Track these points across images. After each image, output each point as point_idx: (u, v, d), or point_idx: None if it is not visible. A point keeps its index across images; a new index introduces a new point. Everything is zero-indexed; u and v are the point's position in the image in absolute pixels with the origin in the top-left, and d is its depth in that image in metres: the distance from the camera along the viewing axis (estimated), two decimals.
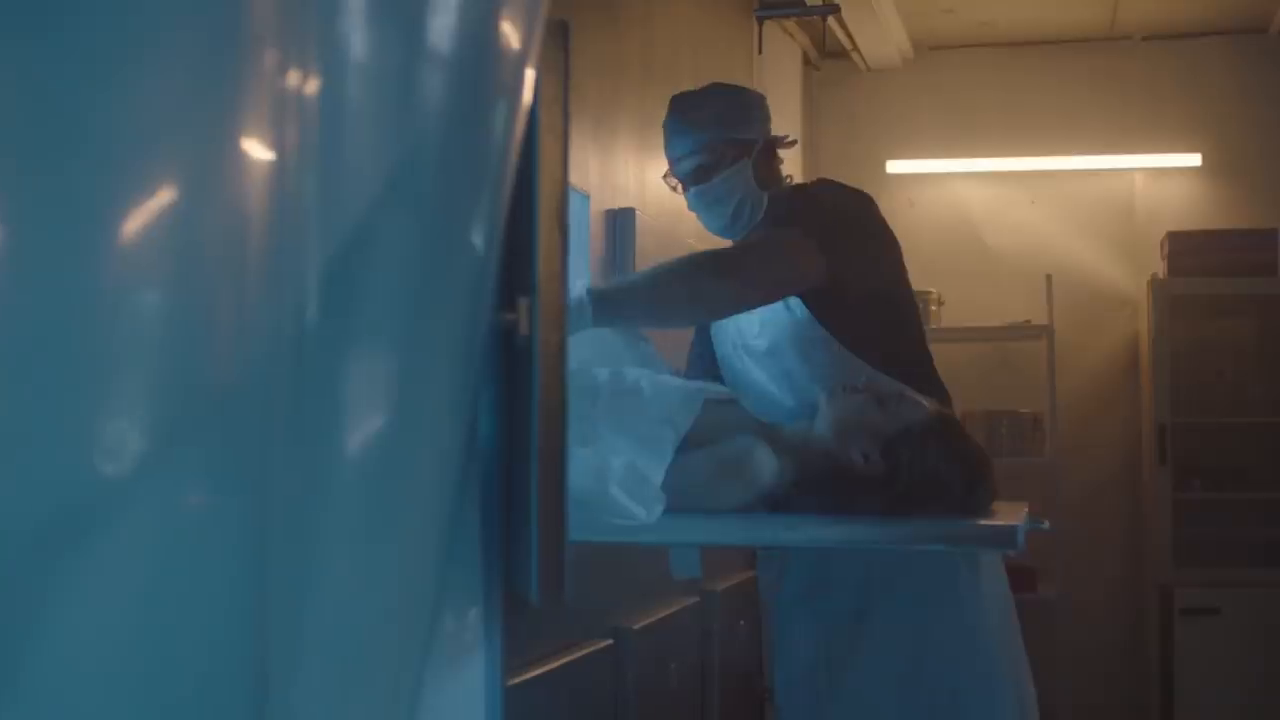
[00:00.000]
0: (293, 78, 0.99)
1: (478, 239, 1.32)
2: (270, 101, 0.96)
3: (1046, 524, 2.01)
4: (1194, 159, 5.26)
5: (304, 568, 1.05)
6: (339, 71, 1.05)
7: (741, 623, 3.13)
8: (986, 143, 5.39)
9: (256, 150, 0.95)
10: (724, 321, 2.50)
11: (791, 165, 5.00)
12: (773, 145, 2.51)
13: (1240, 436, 5.05)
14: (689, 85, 3.72)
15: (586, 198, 2.90)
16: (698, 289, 2.27)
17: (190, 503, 0.91)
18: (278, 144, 0.96)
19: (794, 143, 2.59)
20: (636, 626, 2.34)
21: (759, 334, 2.42)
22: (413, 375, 1.23)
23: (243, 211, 0.94)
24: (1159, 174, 5.33)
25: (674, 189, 2.55)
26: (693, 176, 2.47)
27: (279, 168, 0.96)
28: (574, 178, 2.84)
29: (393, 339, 1.19)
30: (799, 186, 2.58)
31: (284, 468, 1.00)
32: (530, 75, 1.45)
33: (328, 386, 1.10)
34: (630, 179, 3.22)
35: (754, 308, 2.35)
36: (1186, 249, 4.99)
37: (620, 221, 3.07)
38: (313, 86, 1.01)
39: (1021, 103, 5.40)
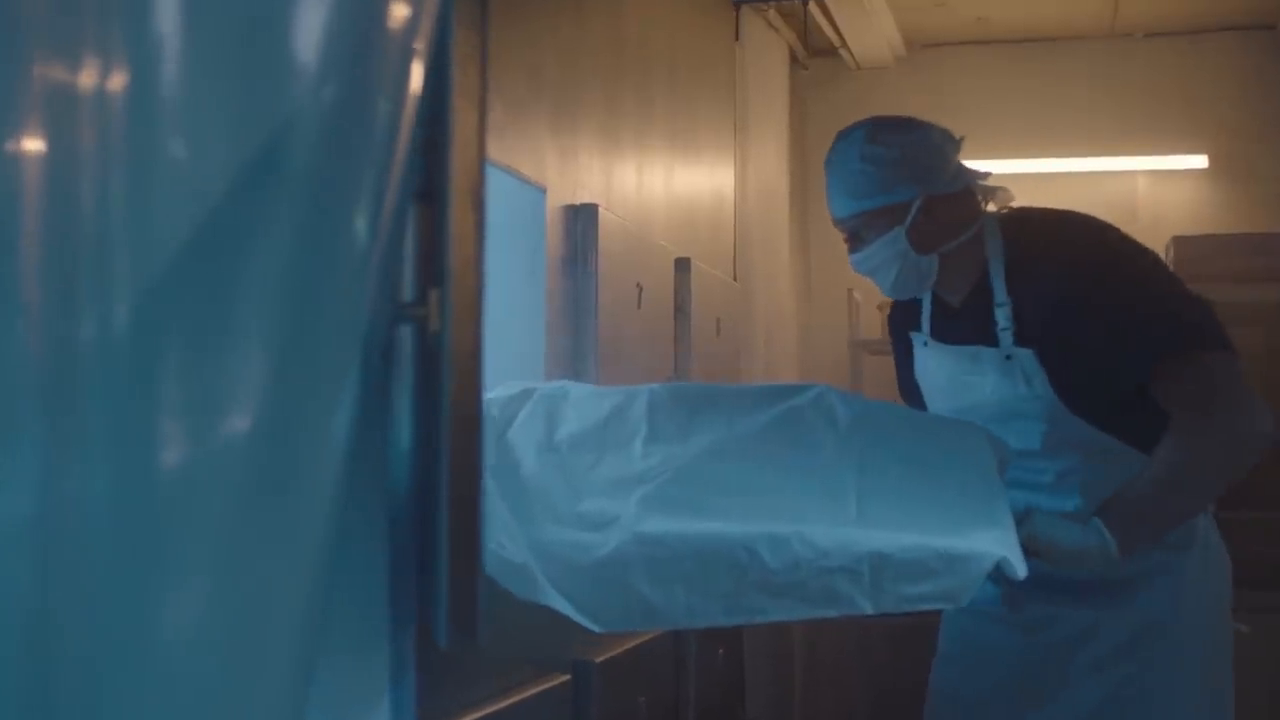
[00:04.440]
0: (90, 67, 0.95)
1: (360, 224, 1.21)
2: (49, 95, 0.92)
3: (1021, 572, 1.81)
4: (1199, 160, 5.19)
5: (116, 589, 0.98)
6: (160, 53, 0.99)
7: (720, 651, 2.93)
8: (981, 145, 5.11)
9: (27, 146, 0.90)
10: (940, 372, 2.28)
11: (778, 169, 4.89)
12: (935, 200, 2.17)
13: None
14: (663, 73, 3.62)
15: (543, 192, 2.73)
16: (1208, 493, 2.14)
17: None
18: (54, 140, 0.92)
19: (985, 176, 2.23)
20: (599, 659, 2.15)
21: (990, 401, 2.20)
22: (273, 373, 1.12)
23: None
24: (1163, 176, 5.26)
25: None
26: (848, 243, 2.24)
27: (59, 165, 0.93)
28: (529, 170, 2.67)
29: (247, 335, 1.09)
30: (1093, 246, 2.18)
31: (85, 476, 0.95)
32: (425, 35, 1.32)
33: (154, 388, 1.01)
34: (594, 173, 3.03)
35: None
36: (1193, 255, 4.85)
37: (582, 219, 2.89)
38: (120, 77, 0.96)
39: (1019, 103, 5.32)
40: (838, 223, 2.23)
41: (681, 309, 3.45)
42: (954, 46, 5.33)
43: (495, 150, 2.54)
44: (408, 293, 1.51)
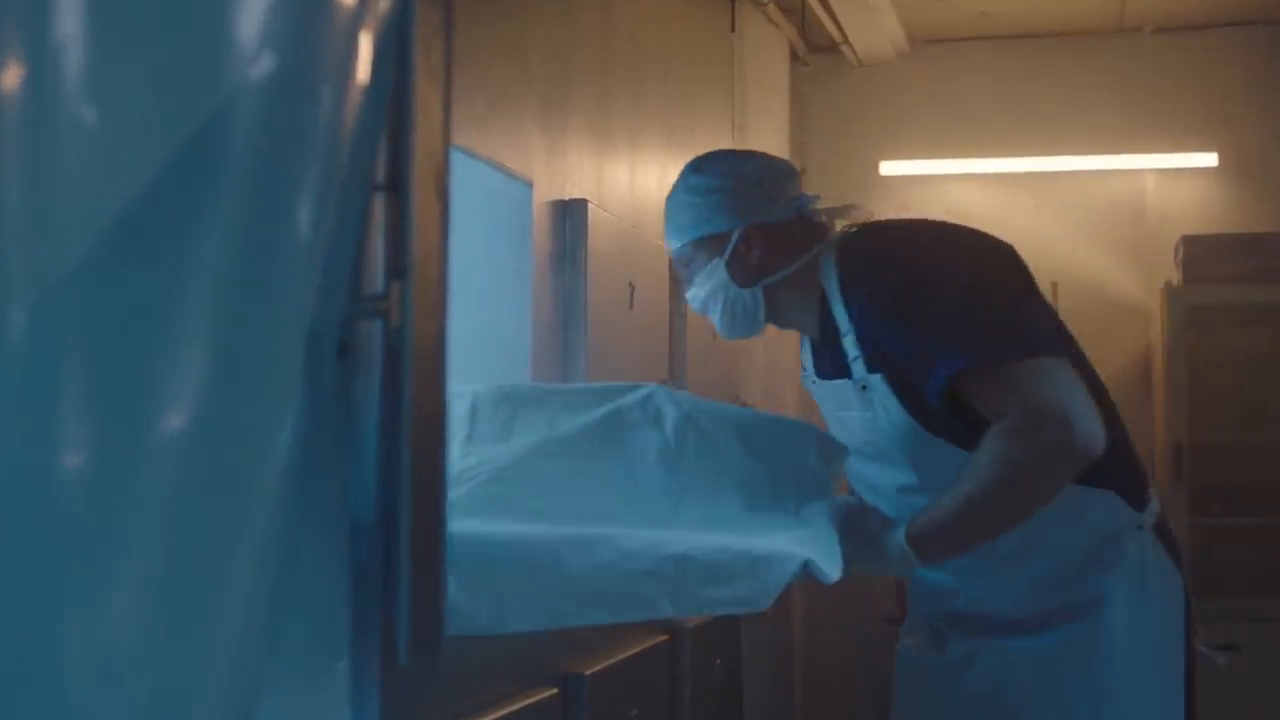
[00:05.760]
0: None
1: (304, 214, 1.14)
2: None
3: (833, 576, 1.75)
4: (1209, 158, 5.12)
5: (25, 602, 0.93)
6: (73, 29, 0.92)
7: (718, 662, 2.86)
8: (987, 142, 5.25)
9: None
10: (826, 410, 2.19)
11: None
12: (758, 230, 2.09)
13: (1262, 456, 4.83)
14: (657, 67, 3.54)
15: (529, 186, 2.65)
16: (1017, 505, 1.97)
17: None
18: None
19: (808, 206, 2.12)
20: (590, 671, 2.07)
21: (863, 437, 2.10)
22: (203, 371, 1.05)
23: None
24: (1172, 174, 5.18)
25: None
26: (684, 282, 2.20)
27: None
28: (515, 164, 2.59)
29: (176, 332, 1.03)
30: (901, 254, 2.05)
31: None
32: (379, 12, 1.24)
33: (74, 388, 0.96)
34: (584, 168, 2.95)
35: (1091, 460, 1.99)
36: (1202, 254, 4.81)
37: (571, 215, 2.82)
38: (21, 58, 0.89)
39: (1024, 99, 5.25)
40: (672, 261, 2.18)
41: (677, 309, 3.37)
42: (957, 42, 5.25)
43: (479, 143, 2.46)
44: (379, 287, 1.45)
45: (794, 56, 5.10)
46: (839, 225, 2.15)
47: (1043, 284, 5.35)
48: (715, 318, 2.15)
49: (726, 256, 2.08)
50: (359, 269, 1.43)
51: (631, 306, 3.07)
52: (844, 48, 5.03)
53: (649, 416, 1.91)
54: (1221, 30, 5.09)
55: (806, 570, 1.72)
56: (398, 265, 1.42)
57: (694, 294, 2.14)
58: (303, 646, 1.38)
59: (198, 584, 1.04)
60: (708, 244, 2.09)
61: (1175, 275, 4.90)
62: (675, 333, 3.39)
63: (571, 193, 2.86)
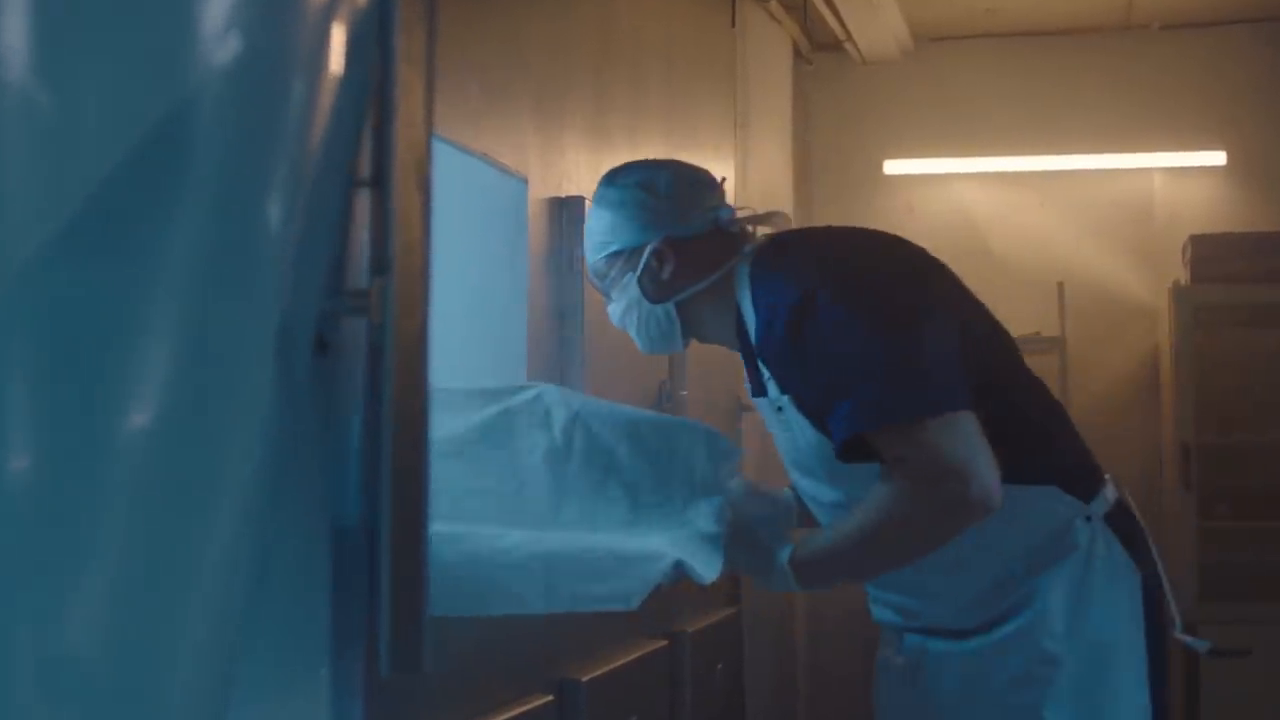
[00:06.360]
0: None
1: (273, 211, 1.11)
2: None
3: (707, 576, 1.76)
4: (1218, 157, 5.09)
5: None
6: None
7: (719, 667, 2.82)
8: (992, 141, 5.22)
9: None
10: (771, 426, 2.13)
11: (782, 166, 4.77)
12: (671, 244, 2.02)
13: (1271, 457, 4.79)
14: (658, 64, 3.51)
15: (524, 182, 2.63)
16: (903, 552, 1.94)
17: None
18: None
19: (725, 218, 2.05)
20: (587, 678, 2.05)
21: (789, 455, 2.07)
22: (164, 369, 1.02)
23: None
24: (1180, 173, 5.15)
25: None
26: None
27: None
28: (510, 160, 2.56)
29: (133, 329, 1.00)
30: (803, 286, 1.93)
31: None
32: (358, 1, 1.24)
33: (30, 387, 0.92)
34: (581, 165, 2.92)
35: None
36: (1210, 254, 4.78)
37: (568, 212, 2.79)
38: None
39: (1030, 98, 5.21)
40: (591, 280, 2.13)
41: None
42: (963, 40, 5.23)
43: (472, 138, 2.42)
44: (362, 282, 1.41)
45: (797, 54, 5.07)
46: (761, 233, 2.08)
47: (1049, 283, 5.31)
48: (632, 334, 2.09)
49: (639, 271, 2.02)
50: (343, 264, 1.39)
51: None
52: (848, 45, 5.01)
53: (537, 417, 1.93)
54: (1230, 27, 5.05)
55: (680, 570, 1.73)
56: (379, 261, 1.38)
57: (612, 310, 2.09)
58: (281, 652, 1.35)
59: (164, 588, 1.01)
60: (621, 258, 2.04)
61: (1183, 275, 4.87)
62: None
63: (568, 190, 2.83)
